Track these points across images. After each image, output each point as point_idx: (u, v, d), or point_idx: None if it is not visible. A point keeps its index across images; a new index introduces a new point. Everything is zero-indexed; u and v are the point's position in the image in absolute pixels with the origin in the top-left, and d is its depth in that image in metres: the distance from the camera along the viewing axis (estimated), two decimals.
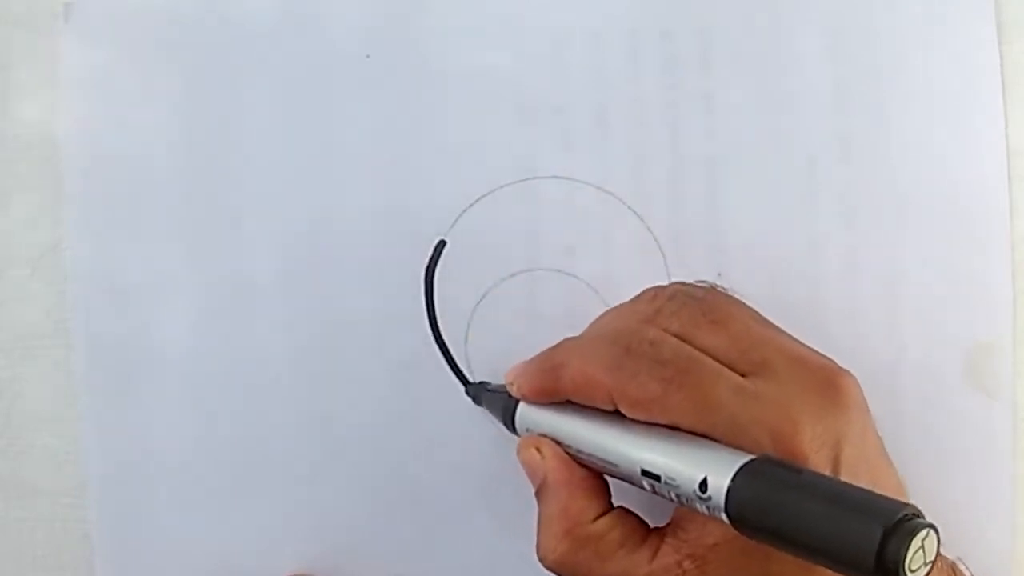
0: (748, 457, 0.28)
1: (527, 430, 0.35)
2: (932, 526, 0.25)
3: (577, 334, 0.35)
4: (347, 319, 0.39)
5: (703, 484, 0.28)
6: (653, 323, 0.32)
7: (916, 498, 0.32)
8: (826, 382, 0.31)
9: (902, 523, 0.24)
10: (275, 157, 0.39)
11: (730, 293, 0.34)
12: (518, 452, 0.34)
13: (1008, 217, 0.38)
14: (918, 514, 0.25)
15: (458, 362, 0.39)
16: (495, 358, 0.39)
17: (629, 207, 0.38)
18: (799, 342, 0.33)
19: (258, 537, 0.39)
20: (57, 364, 0.39)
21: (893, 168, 0.38)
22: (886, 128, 0.38)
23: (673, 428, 0.30)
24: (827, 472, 0.29)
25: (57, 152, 0.39)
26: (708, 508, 0.28)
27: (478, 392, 0.38)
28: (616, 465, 0.32)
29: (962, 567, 0.33)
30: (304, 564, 0.39)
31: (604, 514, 0.33)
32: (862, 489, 0.26)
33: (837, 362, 0.32)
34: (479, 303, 0.39)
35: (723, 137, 0.38)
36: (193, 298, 0.39)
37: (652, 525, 0.33)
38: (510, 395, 0.35)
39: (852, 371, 0.32)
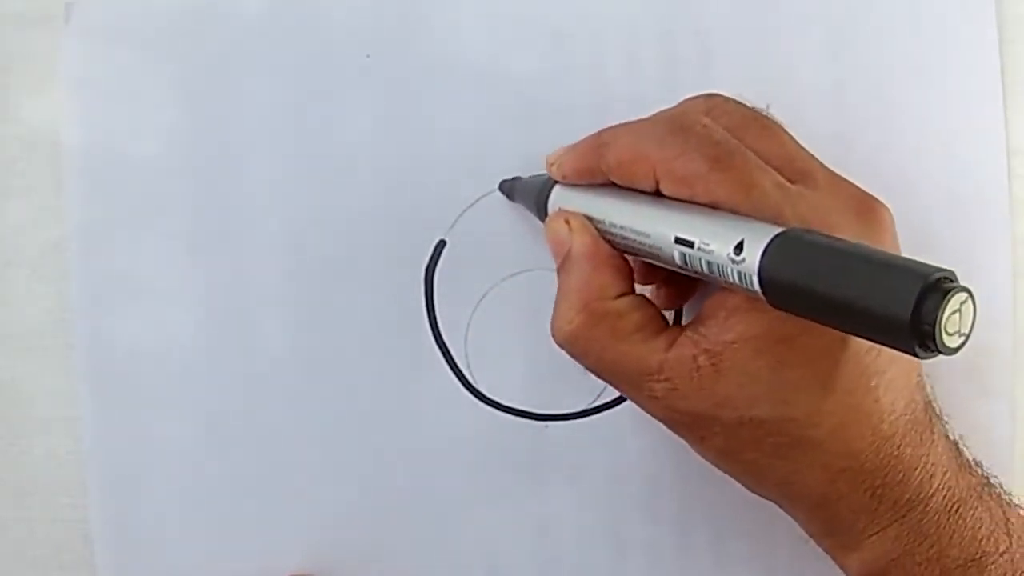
0: (785, 227, 0.27)
1: (559, 211, 0.35)
2: (969, 291, 0.24)
3: None
4: (347, 319, 0.39)
5: (739, 247, 0.28)
6: (712, 116, 0.32)
7: None
8: (865, 205, 0.31)
9: (939, 283, 0.24)
10: (275, 157, 0.39)
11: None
12: (546, 227, 0.34)
13: (1008, 217, 0.38)
14: (954, 279, 0.24)
15: (458, 362, 0.39)
16: (495, 358, 0.39)
17: None
18: None
19: (258, 537, 0.39)
20: (57, 364, 0.39)
21: (893, 168, 0.38)
22: (886, 128, 0.38)
23: (712, 207, 0.30)
24: None
25: (57, 152, 0.39)
26: (740, 275, 0.28)
27: (511, 186, 0.38)
28: (648, 235, 0.31)
29: (962, 446, 0.33)
30: (304, 564, 0.39)
31: (625, 295, 0.32)
32: (898, 255, 0.26)
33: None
34: (479, 303, 0.39)
35: None
36: (193, 298, 0.39)
37: None
38: (546, 183, 0.35)
39: None
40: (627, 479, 0.38)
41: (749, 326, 0.29)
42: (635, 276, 0.33)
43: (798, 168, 0.31)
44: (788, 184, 0.30)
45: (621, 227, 0.32)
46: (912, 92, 0.38)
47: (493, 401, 0.39)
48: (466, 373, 0.39)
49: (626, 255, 0.33)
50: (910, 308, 0.23)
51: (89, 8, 0.39)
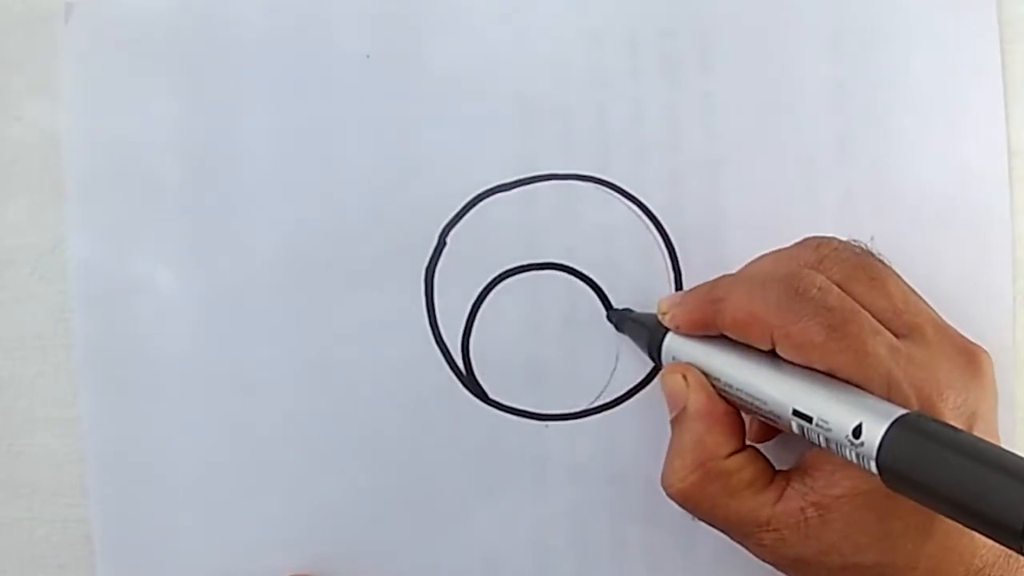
0: (903, 411, 0.28)
1: (672, 359, 0.35)
2: None
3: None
4: (347, 319, 0.39)
5: (857, 430, 0.28)
6: (817, 269, 0.33)
7: None
8: (969, 356, 0.33)
9: None
10: (275, 157, 0.39)
11: (882, 258, 0.34)
12: (662, 377, 0.35)
13: (1008, 217, 0.38)
14: None
15: (458, 362, 0.39)
16: (495, 358, 0.39)
17: (629, 207, 0.38)
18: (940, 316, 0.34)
19: (258, 537, 0.39)
20: (57, 364, 0.39)
21: (893, 168, 0.38)
22: (886, 128, 0.38)
23: (827, 375, 0.31)
24: None
25: (57, 152, 0.39)
26: (857, 455, 0.28)
27: (621, 318, 0.38)
28: (765, 403, 0.32)
29: None
30: (304, 564, 0.39)
31: (738, 451, 0.33)
32: (1017, 455, 0.26)
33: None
34: (479, 303, 0.39)
35: (723, 137, 0.38)
36: (193, 298, 0.39)
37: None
38: (658, 325, 0.35)
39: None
40: (627, 479, 0.38)
41: (857, 482, 0.30)
42: (748, 433, 0.34)
43: (906, 322, 0.32)
44: (899, 344, 0.31)
45: (737, 388, 0.33)
46: (912, 92, 0.38)
47: (493, 401, 0.39)
48: (466, 373, 0.39)
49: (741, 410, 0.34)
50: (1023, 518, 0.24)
51: (89, 8, 0.39)
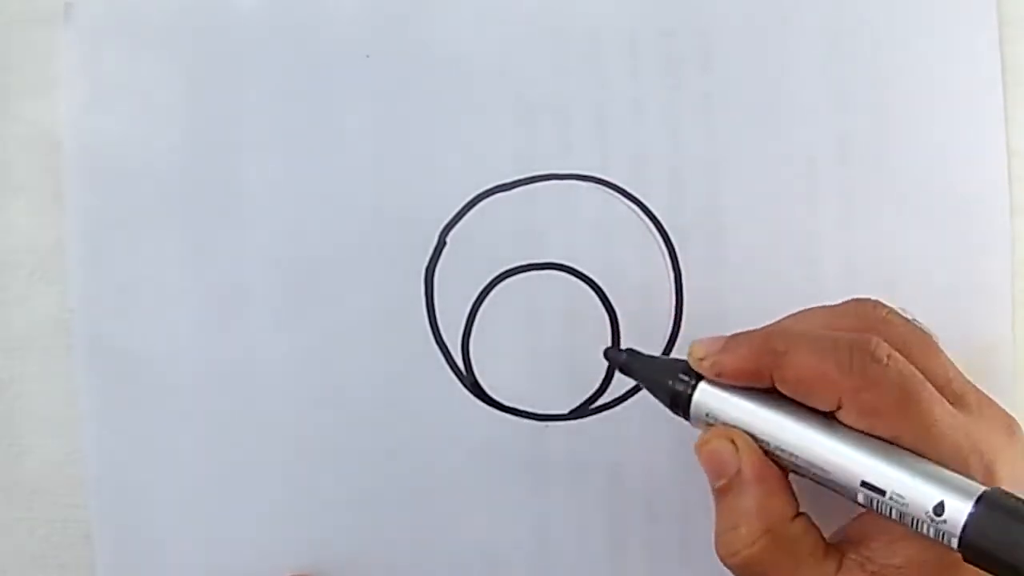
0: (983, 487, 0.28)
1: (706, 415, 0.32)
2: None
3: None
4: (347, 319, 0.39)
5: (939, 507, 0.28)
6: (879, 333, 0.32)
7: None
8: (1008, 426, 0.33)
9: None
10: (275, 156, 0.39)
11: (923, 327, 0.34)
12: (705, 443, 0.32)
13: (1008, 217, 0.38)
14: None
15: (458, 362, 0.39)
16: (495, 358, 0.39)
17: (629, 207, 0.38)
18: None
19: (258, 537, 0.39)
20: (57, 364, 0.39)
21: (893, 168, 0.38)
22: (886, 128, 0.38)
23: (891, 443, 0.30)
24: None
25: (57, 152, 0.39)
26: (937, 531, 0.28)
27: (630, 360, 0.35)
28: (825, 470, 0.31)
29: None
30: (304, 564, 0.39)
31: (799, 516, 0.32)
32: None
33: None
34: (479, 303, 0.39)
35: (723, 137, 0.38)
36: (192, 297, 0.39)
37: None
38: (681, 372, 0.33)
39: None
40: (627, 479, 0.38)
41: (917, 552, 0.30)
42: None
43: (955, 391, 0.32)
44: (957, 414, 0.31)
45: (791, 453, 0.31)
46: (912, 92, 0.38)
47: (493, 401, 0.39)
48: (466, 373, 0.39)
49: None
50: None
51: (89, 8, 0.39)
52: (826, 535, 0.32)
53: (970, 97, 0.38)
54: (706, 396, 0.32)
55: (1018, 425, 0.33)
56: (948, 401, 0.31)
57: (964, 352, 0.36)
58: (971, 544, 0.28)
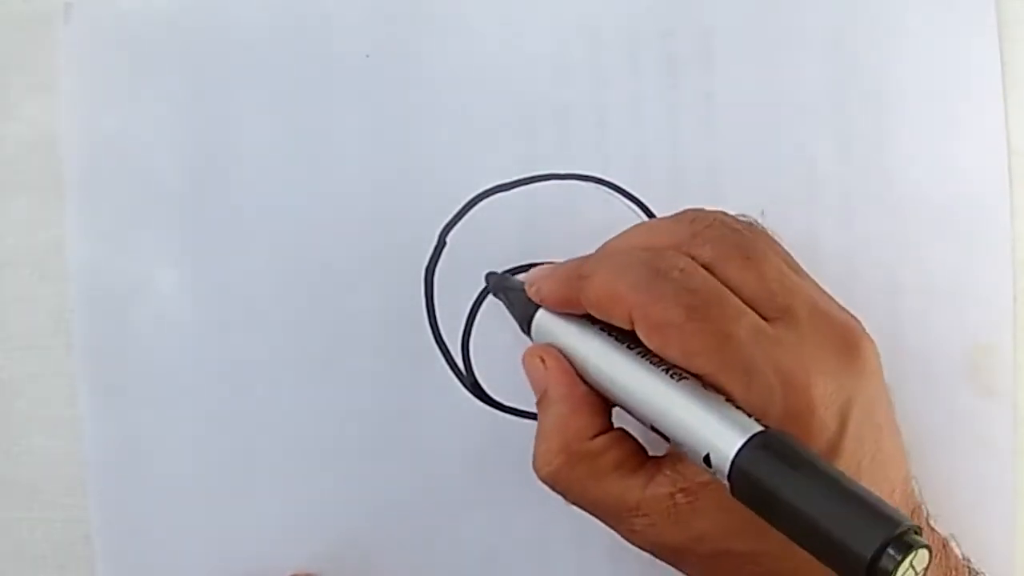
0: (757, 428, 0.27)
1: (548, 341, 0.34)
2: (929, 549, 0.25)
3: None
4: (347, 319, 0.39)
5: (706, 459, 0.28)
6: (687, 247, 0.31)
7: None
8: (845, 342, 0.31)
9: (902, 537, 0.24)
10: (275, 157, 0.39)
11: (769, 233, 0.33)
12: (523, 359, 0.34)
13: (1008, 217, 0.38)
14: (918, 531, 0.25)
15: (458, 362, 0.39)
16: (495, 358, 0.39)
17: (629, 207, 0.38)
18: (826, 294, 0.32)
19: (258, 537, 0.39)
20: (57, 364, 0.39)
21: (893, 168, 0.38)
22: (886, 128, 0.38)
23: (685, 373, 0.30)
24: (832, 431, 0.29)
25: (57, 152, 0.39)
26: (712, 473, 0.28)
27: (500, 283, 0.36)
28: (629, 406, 0.31)
29: (953, 544, 0.33)
30: (304, 564, 0.39)
31: (602, 433, 0.32)
32: (868, 491, 0.26)
33: (860, 321, 0.32)
34: (480, 303, 0.39)
35: (723, 137, 0.38)
36: (192, 297, 0.39)
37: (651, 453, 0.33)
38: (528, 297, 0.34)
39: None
40: None
41: None
42: None
43: (779, 304, 0.30)
44: (765, 328, 0.30)
45: (599, 382, 0.32)
46: (912, 92, 0.38)
47: (493, 401, 0.39)
48: (466, 373, 0.39)
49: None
50: (868, 558, 0.24)
51: (89, 8, 0.39)
52: None
53: (970, 97, 0.38)
54: (542, 323, 0.34)
55: (867, 344, 0.31)
56: (769, 316, 0.30)
57: (964, 352, 0.36)
58: (740, 491, 0.27)
